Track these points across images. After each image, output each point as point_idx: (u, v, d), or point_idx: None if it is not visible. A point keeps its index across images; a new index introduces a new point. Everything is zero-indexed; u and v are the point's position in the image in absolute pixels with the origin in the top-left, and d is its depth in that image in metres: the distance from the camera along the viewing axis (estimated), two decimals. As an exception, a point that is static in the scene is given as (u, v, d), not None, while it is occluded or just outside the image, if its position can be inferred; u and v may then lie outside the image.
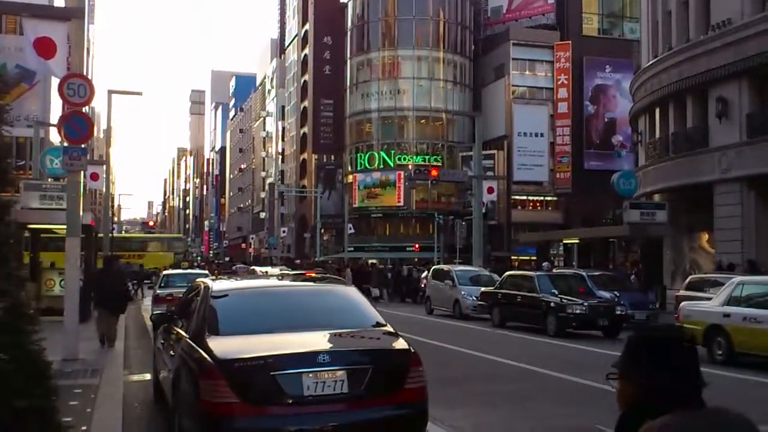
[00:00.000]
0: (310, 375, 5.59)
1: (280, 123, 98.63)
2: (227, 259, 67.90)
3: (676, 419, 1.93)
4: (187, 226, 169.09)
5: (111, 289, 14.58)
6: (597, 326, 18.08)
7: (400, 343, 6.39)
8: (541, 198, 66.64)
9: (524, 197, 66.06)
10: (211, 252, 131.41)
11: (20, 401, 2.53)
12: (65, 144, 13.66)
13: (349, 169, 71.00)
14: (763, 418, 7.98)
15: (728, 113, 25.20)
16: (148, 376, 10.52)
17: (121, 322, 16.73)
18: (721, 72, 25.25)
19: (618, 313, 18.29)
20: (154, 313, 16.27)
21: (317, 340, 6.10)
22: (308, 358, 5.69)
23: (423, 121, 68.14)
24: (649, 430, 1.92)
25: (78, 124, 12.65)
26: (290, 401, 5.53)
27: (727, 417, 2.00)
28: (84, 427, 6.97)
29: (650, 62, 30.73)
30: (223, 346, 5.92)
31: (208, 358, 5.75)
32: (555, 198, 65.58)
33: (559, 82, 63.59)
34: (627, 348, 2.12)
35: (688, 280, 20.07)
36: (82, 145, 13.02)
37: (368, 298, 7.78)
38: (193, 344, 6.26)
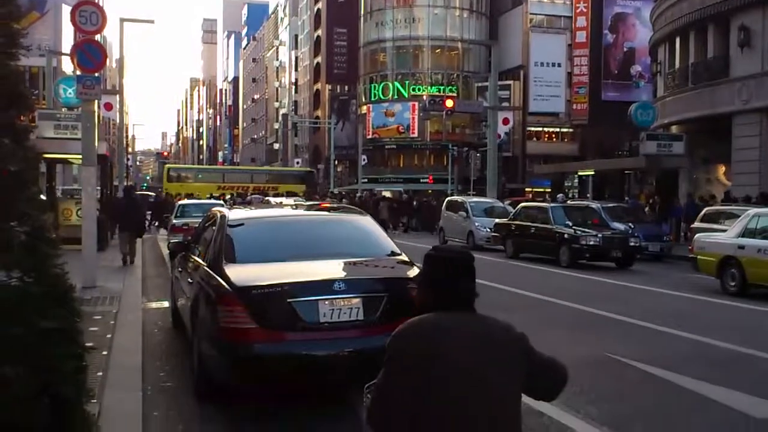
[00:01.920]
0: (326, 302, 5.67)
1: (293, 52, 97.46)
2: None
3: (431, 316, 2.42)
4: (201, 156, 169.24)
5: (131, 214, 16.92)
6: (610, 257, 18.14)
7: (415, 272, 6.44)
8: (557, 129, 66.04)
9: (540, 128, 65.48)
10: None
11: (45, 322, 2.59)
12: (78, 73, 13.60)
13: (363, 99, 70.38)
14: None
15: (750, 42, 24.65)
16: (166, 304, 10.71)
17: (138, 252, 17.31)
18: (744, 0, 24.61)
19: (632, 244, 18.33)
20: (171, 241, 16.51)
21: (333, 269, 6.16)
22: (324, 286, 5.76)
23: (438, 50, 67.11)
24: (407, 322, 2.43)
25: (91, 53, 12.57)
26: (306, 327, 5.63)
27: (484, 319, 2.47)
28: (105, 352, 7.13)
29: (672, -11, 29.96)
30: (241, 273, 6.00)
31: (226, 286, 5.84)
32: (571, 129, 64.96)
33: (578, 10, 62.17)
34: (423, 263, 2.55)
35: (703, 211, 20.01)
36: (96, 74, 12.97)
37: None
38: (211, 272, 6.34)
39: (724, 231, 15.03)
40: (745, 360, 7.94)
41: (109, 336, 8.03)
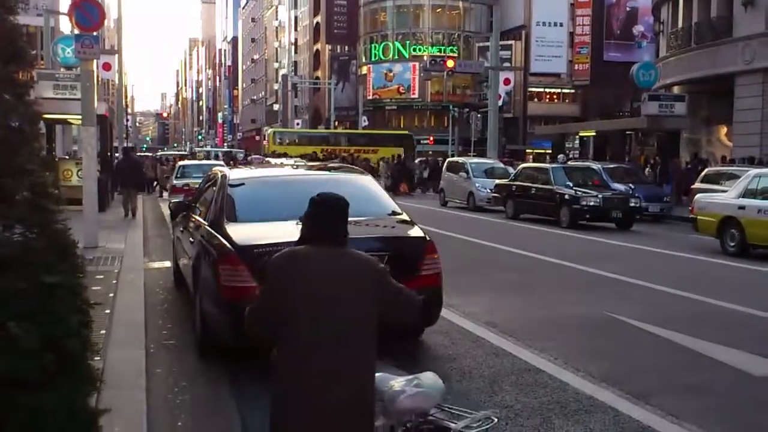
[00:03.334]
0: (328, 261, 5.68)
1: (292, 12, 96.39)
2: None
3: (304, 247, 2.82)
4: (201, 118, 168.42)
5: (130, 173, 19.08)
6: (610, 218, 18.15)
7: (416, 231, 6.47)
8: (558, 90, 65.66)
9: (541, 89, 65.10)
10: (225, 144, 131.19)
11: (49, 277, 2.61)
12: (76, 32, 13.47)
13: (363, 60, 69.87)
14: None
15: (754, 1, 24.37)
16: (167, 263, 10.75)
17: (139, 211, 17.50)
18: (750, -43, 24.29)
19: (632, 205, 18.33)
20: (172, 201, 16.52)
21: (334, 228, 6.16)
22: (325, 245, 5.77)
23: (439, 10, 66.43)
24: (283, 251, 2.86)
25: (89, 12, 12.45)
26: (308, 285, 5.65)
27: (350, 253, 2.83)
28: (108, 310, 7.18)
29: (676, -53, 29.54)
30: (242, 232, 6.02)
31: (228, 245, 5.86)
32: (572, 90, 64.58)
33: (581, -31, 61.41)
34: (308, 205, 2.91)
35: (704, 172, 19.98)
36: (94, 33, 12.86)
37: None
38: (213, 231, 6.36)
39: (725, 192, 15.04)
40: (744, 319, 8.00)
41: (111, 295, 8.08)
